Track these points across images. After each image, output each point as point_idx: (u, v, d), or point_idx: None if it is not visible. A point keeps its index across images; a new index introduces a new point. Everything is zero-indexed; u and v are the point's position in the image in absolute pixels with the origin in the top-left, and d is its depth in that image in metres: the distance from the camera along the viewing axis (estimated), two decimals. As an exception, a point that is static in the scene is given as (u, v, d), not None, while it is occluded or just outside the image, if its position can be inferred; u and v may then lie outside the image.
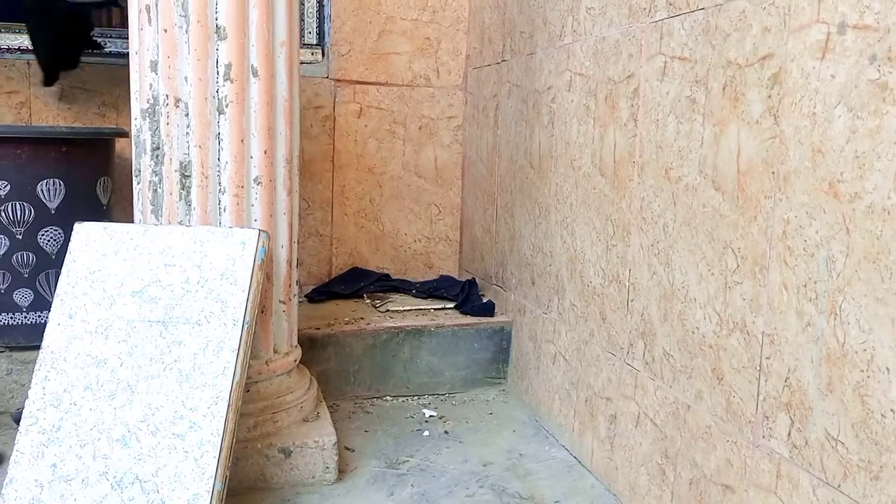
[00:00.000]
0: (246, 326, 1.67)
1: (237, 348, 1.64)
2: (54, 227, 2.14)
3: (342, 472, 1.99)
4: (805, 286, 1.28)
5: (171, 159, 1.80)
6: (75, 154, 2.18)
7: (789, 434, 1.32)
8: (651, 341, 1.76)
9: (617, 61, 1.90)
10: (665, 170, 1.69)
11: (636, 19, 1.81)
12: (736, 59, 1.45)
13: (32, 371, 1.64)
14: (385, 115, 3.11)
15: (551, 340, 2.31)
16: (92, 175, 2.25)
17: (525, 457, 2.15)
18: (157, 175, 1.82)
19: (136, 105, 1.84)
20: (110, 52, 2.75)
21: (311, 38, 3.01)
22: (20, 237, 2.11)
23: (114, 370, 1.62)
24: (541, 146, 2.38)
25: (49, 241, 2.14)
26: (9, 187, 2.09)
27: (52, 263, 2.15)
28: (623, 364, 1.89)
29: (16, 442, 1.57)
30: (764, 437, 1.39)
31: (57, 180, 2.14)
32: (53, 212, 2.14)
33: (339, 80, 3.04)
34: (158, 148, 1.81)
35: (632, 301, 1.84)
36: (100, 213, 2.26)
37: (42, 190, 2.12)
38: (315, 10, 3.00)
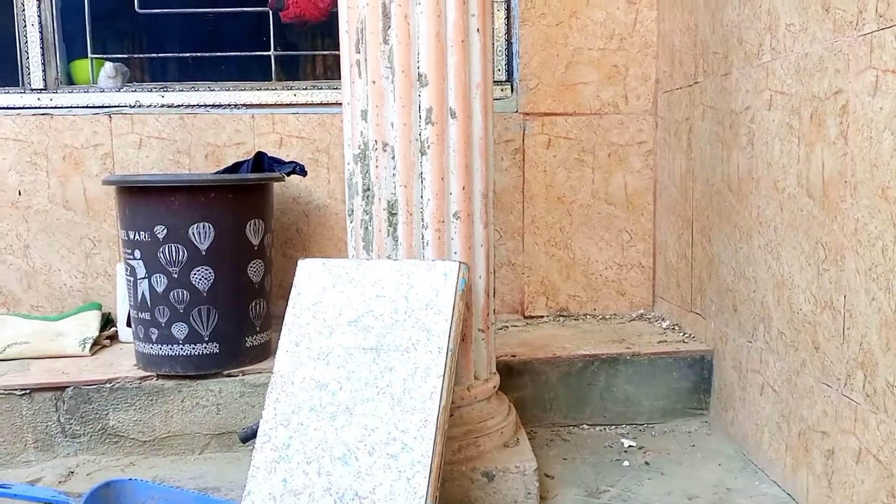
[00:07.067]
0: (450, 353, 1.76)
1: (443, 374, 1.73)
2: (205, 267, 2.34)
3: (543, 498, 2.02)
4: None
5: (379, 199, 1.95)
6: (221, 199, 2.36)
7: None
8: (872, 372, 1.64)
9: (822, 77, 1.81)
10: (882, 189, 1.59)
11: (841, 34, 1.72)
12: (962, 67, 1.35)
13: (260, 394, 1.83)
14: (573, 145, 3.15)
15: (758, 370, 2.21)
16: (240, 218, 2.41)
17: (733, 491, 2.07)
18: (367, 214, 1.98)
19: (349, 151, 2.02)
20: (321, 102, 3.03)
21: (501, 76, 3.12)
22: (176, 276, 2.33)
23: (334, 393, 1.77)
24: (739, 168, 2.30)
25: (200, 279, 2.34)
26: (165, 231, 2.31)
27: (203, 300, 2.35)
28: (840, 396, 1.77)
29: (252, 458, 1.76)
30: None
31: (207, 223, 2.32)
32: (204, 252, 2.34)
33: (527, 114, 3.12)
34: (368, 189, 1.97)
35: (848, 329, 1.73)
36: (251, 253, 2.43)
37: (193, 232, 2.32)
38: (504, 48, 3.12)
